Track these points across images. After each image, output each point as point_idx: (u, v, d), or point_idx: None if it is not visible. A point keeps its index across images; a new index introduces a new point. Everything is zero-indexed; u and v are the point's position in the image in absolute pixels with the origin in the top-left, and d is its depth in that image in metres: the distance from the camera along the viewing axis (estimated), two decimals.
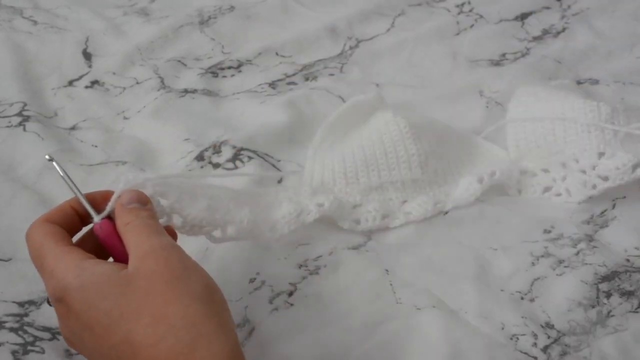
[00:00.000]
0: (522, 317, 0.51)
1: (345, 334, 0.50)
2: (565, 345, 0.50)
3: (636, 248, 0.57)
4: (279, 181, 0.64)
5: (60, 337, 0.50)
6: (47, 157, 0.48)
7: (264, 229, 0.55)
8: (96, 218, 0.45)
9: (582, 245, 0.57)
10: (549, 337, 0.50)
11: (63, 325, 0.43)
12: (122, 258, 0.44)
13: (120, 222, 0.44)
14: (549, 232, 0.58)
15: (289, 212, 0.56)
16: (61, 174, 0.47)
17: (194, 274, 0.42)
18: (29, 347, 0.49)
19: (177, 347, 0.38)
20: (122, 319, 0.39)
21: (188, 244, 0.44)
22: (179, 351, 0.38)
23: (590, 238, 0.58)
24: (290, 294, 0.53)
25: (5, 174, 0.63)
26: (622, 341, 0.50)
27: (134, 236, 0.43)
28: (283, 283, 0.54)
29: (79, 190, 0.46)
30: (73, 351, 0.49)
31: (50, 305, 0.44)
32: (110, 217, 0.46)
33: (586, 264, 0.55)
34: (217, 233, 0.52)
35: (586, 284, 0.54)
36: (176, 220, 0.49)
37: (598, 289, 0.53)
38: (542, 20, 0.86)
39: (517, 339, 0.50)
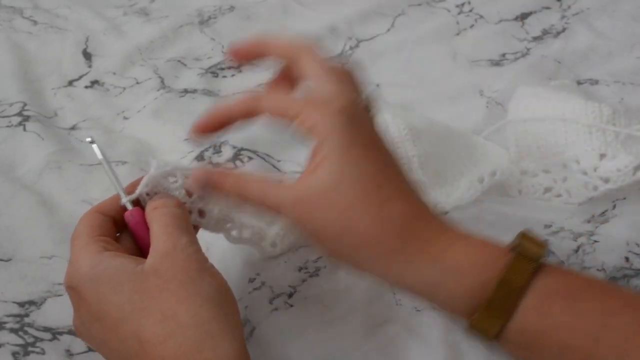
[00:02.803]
0: None
1: (345, 335, 0.50)
2: None
3: (637, 244, 0.56)
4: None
5: (61, 337, 0.50)
6: (88, 139, 0.48)
7: (266, 244, 0.55)
8: (124, 199, 0.46)
9: (582, 239, 0.57)
10: None
11: (75, 313, 0.44)
12: (147, 248, 0.44)
13: (148, 207, 0.46)
14: (550, 226, 0.58)
15: (285, 223, 0.56)
16: (100, 157, 0.47)
17: (208, 276, 0.43)
18: (30, 348, 0.49)
19: (184, 346, 0.39)
20: (132, 315, 0.40)
21: None
22: (186, 350, 0.39)
23: (590, 233, 0.57)
24: (290, 295, 0.53)
25: (5, 174, 0.63)
26: None
27: (159, 227, 0.44)
28: (283, 285, 0.54)
29: (115, 176, 0.47)
30: (74, 352, 0.49)
31: None
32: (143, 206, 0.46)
33: (585, 267, 0.55)
34: (235, 233, 0.52)
35: None
36: (195, 216, 0.49)
37: None
38: (542, 21, 0.86)
39: None
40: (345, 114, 0.43)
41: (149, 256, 0.43)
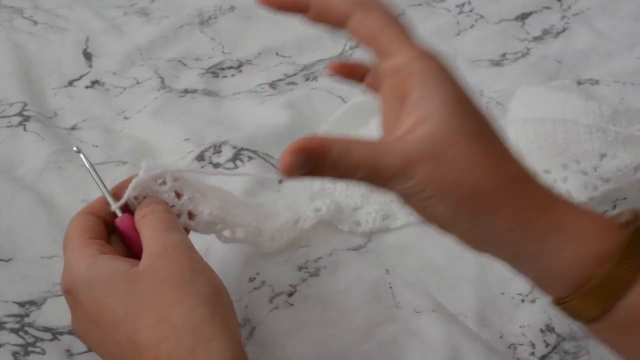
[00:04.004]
0: (520, 327, 0.51)
1: (345, 334, 0.50)
2: (564, 353, 0.50)
3: None
4: (280, 181, 0.64)
5: (61, 337, 0.50)
6: (74, 148, 0.49)
7: (264, 239, 0.55)
8: (113, 206, 0.46)
9: None
10: (547, 345, 0.50)
11: (72, 316, 0.44)
12: (140, 252, 0.44)
13: (137, 215, 0.45)
14: None
15: (285, 220, 0.56)
16: (87, 165, 0.48)
17: (202, 275, 0.42)
18: (30, 348, 0.49)
19: (178, 349, 0.39)
20: (126, 318, 0.40)
21: None
22: (180, 353, 0.39)
23: None
24: (291, 294, 0.53)
25: (5, 174, 0.63)
26: None
27: (149, 231, 0.44)
28: (283, 284, 0.54)
29: (102, 183, 0.47)
30: (74, 352, 0.49)
31: None
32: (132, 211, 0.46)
33: None
34: (227, 233, 0.52)
35: None
36: (184, 219, 0.49)
37: None
38: (543, 21, 0.86)
39: (515, 348, 0.50)
40: (449, 70, 0.39)
41: (142, 259, 0.42)
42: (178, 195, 0.48)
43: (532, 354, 0.50)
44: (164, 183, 0.47)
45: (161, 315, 0.40)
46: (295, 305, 0.52)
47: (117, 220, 0.46)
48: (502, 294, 0.54)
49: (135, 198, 0.46)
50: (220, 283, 0.43)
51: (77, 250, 0.43)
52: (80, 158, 0.48)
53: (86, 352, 0.49)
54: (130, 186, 0.46)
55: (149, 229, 0.44)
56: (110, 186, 0.48)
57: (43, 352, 0.49)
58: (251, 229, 0.54)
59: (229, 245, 0.55)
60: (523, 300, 0.53)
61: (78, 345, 0.49)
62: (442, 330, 0.50)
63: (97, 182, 0.47)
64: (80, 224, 0.45)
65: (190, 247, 0.44)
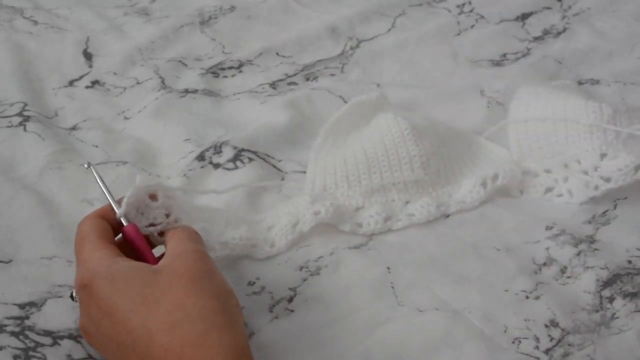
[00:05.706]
0: (525, 320, 0.51)
1: (346, 333, 0.50)
2: (569, 345, 0.50)
3: (638, 249, 0.57)
4: (282, 179, 0.64)
5: (62, 342, 0.49)
6: (85, 165, 0.52)
7: (264, 246, 0.56)
8: (118, 213, 0.49)
9: (583, 246, 0.57)
10: (551, 340, 0.50)
11: (82, 312, 0.46)
12: (145, 260, 0.47)
13: (168, 232, 0.49)
14: (551, 228, 0.58)
15: (284, 224, 0.57)
16: (97, 179, 0.51)
17: (216, 277, 0.45)
18: (31, 353, 0.48)
19: (191, 335, 0.41)
20: (143, 306, 0.42)
21: None
22: (192, 338, 0.40)
23: (591, 239, 0.58)
24: (291, 299, 0.53)
25: (5, 174, 0.63)
26: (627, 340, 0.50)
27: (175, 240, 0.48)
28: (283, 288, 0.54)
29: (111, 194, 0.50)
30: (75, 357, 0.48)
31: (73, 300, 0.49)
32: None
33: (588, 267, 0.55)
34: (211, 253, 0.53)
35: (589, 293, 0.54)
36: None
37: (601, 297, 0.53)
38: (543, 21, 0.86)
39: (520, 342, 0.50)
40: None
41: (162, 260, 0.46)
42: (167, 215, 0.51)
43: (537, 347, 0.50)
44: (156, 199, 0.50)
45: (176, 303, 0.42)
46: (295, 311, 0.52)
47: (124, 229, 0.49)
48: (506, 290, 0.54)
49: (137, 210, 0.50)
50: (231, 288, 0.46)
51: (97, 250, 0.46)
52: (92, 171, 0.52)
53: (87, 358, 0.49)
54: (127, 194, 0.49)
55: (174, 239, 0.48)
56: (110, 188, 0.50)
57: (44, 358, 0.48)
58: (237, 242, 0.56)
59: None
60: (527, 297, 0.53)
61: (79, 351, 0.49)
62: (444, 330, 0.50)
63: (106, 193, 0.50)
64: (97, 227, 0.47)
65: (209, 256, 0.47)
